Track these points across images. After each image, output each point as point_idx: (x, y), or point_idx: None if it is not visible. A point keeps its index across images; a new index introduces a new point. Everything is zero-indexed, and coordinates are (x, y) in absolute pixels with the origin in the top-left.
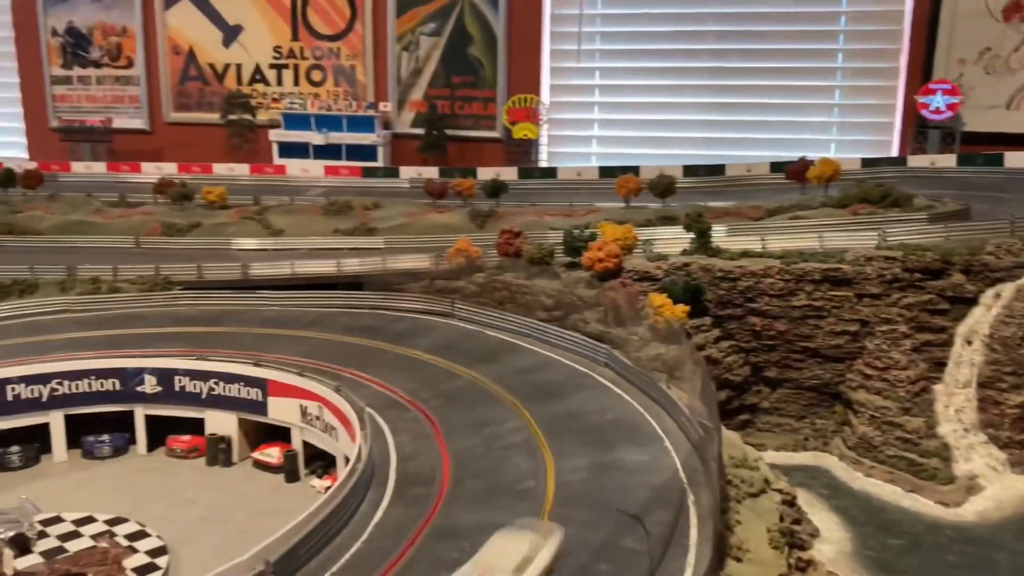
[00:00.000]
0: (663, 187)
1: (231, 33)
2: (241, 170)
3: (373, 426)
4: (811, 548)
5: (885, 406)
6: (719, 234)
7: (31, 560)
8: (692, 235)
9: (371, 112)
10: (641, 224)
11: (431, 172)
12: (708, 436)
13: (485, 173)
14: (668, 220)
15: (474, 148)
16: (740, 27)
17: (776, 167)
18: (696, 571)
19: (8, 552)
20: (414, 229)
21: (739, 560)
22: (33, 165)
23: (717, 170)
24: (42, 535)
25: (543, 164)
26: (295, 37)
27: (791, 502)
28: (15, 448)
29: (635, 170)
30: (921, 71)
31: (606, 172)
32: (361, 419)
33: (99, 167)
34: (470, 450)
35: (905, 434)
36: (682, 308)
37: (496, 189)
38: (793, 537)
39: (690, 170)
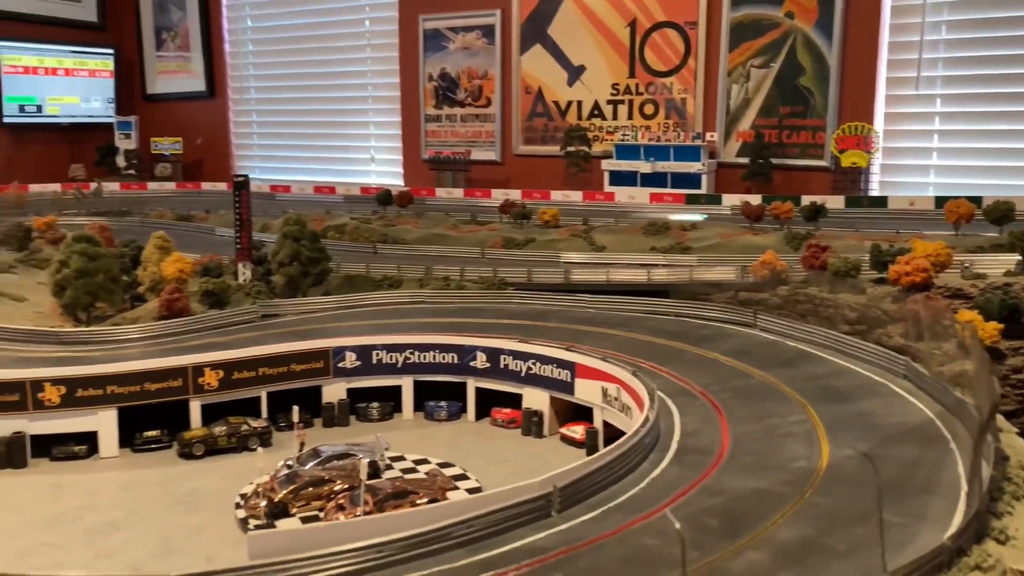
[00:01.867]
0: (999, 213)
1: (575, 73)
2: (575, 197)
3: (663, 407)
4: None
5: None
6: None
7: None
8: (1019, 256)
9: (698, 142)
10: (971, 251)
11: (754, 200)
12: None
13: (809, 201)
14: (1001, 248)
15: (800, 176)
16: None
17: None
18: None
19: (364, 464)
20: (727, 248)
21: (1001, 542)
22: (406, 189)
23: None
24: (388, 467)
25: (873, 193)
26: (632, 74)
27: None
28: (375, 404)
29: (978, 200)
30: None
31: (942, 202)
32: (652, 397)
33: (457, 192)
34: (749, 434)
35: None
36: (994, 326)
37: (815, 212)
38: None
39: None
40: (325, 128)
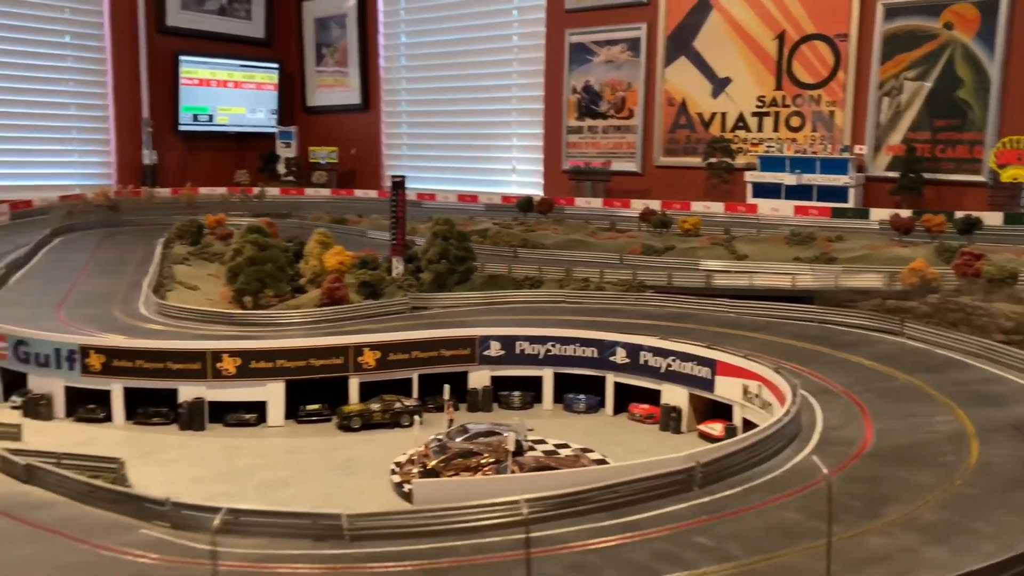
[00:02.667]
0: None
1: (720, 85)
2: (716, 208)
3: (805, 404)
4: None
5: None
6: None
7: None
8: None
9: (845, 155)
10: None
11: (904, 212)
12: None
13: (964, 215)
14: None
15: (953, 192)
16: None
17: None
18: None
19: (512, 437)
20: (875, 260)
21: None
22: (547, 197)
23: None
24: (531, 448)
25: None
26: (778, 87)
27: None
28: (517, 392)
29: None
30: None
31: None
32: (794, 391)
33: (596, 202)
34: (894, 430)
35: None
36: None
37: (969, 226)
38: None
39: None
40: (470, 139)
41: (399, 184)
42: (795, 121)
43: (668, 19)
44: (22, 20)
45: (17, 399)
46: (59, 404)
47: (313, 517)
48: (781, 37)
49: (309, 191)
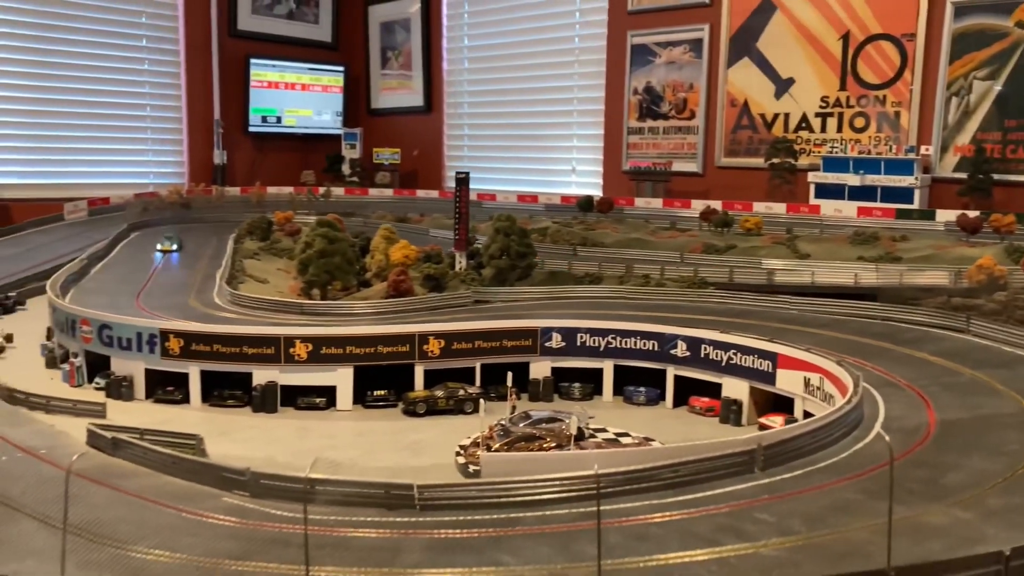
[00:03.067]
0: None
1: (783, 86)
2: (777, 209)
3: (867, 395)
4: None
5: None
6: None
7: None
8: None
9: (911, 155)
10: None
11: (972, 212)
12: None
13: None
14: None
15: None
16: None
17: None
18: None
19: (575, 421)
20: (940, 260)
21: None
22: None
23: None
24: (592, 435)
25: None
26: (843, 87)
27: None
28: (577, 384)
29: None
30: None
31: None
32: (856, 382)
33: (656, 203)
34: (959, 422)
35: None
36: None
37: None
38: None
39: None
40: (530, 140)
41: (463, 180)
42: (859, 122)
43: (731, 20)
44: (103, 24)
45: (101, 381)
46: (140, 386)
47: (386, 487)
48: (846, 37)
49: (372, 191)
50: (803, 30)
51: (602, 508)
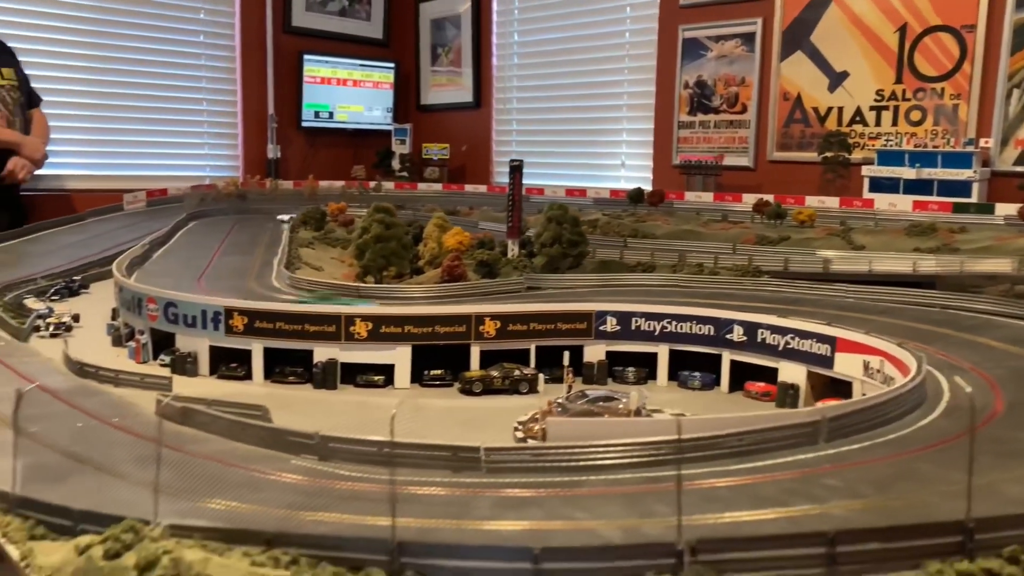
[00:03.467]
0: None
1: (837, 79)
2: (831, 203)
3: (930, 377)
4: None
5: None
6: None
7: None
8: None
9: (969, 148)
10: None
11: None
12: None
13: None
14: None
15: None
16: None
17: None
18: None
19: (635, 396)
20: (1001, 252)
21: None
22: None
23: None
24: (648, 416)
25: None
26: (898, 80)
27: None
28: (631, 368)
29: None
30: None
31: None
32: (920, 362)
33: (707, 196)
34: None
35: None
36: None
37: None
38: None
39: None
40: (579, 135)
41: (517, 168)
42: (915, 115)
43: (785, 13)
44: (162, 20)
45: (166, 357)
46: (204, 362)
47: (453, 449)
48: (903, 29)
49: (422, 186)
50: (858, 23)
51: (665, 473)
